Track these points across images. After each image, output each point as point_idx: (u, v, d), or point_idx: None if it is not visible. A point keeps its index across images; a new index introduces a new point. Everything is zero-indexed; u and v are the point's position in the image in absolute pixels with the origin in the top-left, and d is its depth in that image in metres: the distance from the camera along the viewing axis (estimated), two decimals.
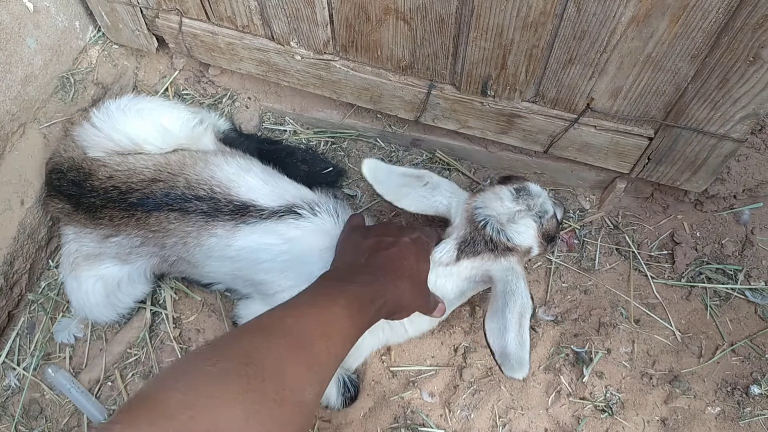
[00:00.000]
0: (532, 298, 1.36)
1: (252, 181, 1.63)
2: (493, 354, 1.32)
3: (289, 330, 0.95)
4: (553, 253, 1.92)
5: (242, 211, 1.55)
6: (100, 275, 1.70)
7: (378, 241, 1.36)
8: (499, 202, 1.45)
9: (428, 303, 1.38)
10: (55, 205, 1.74)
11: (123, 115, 1.70)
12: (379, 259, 1.30)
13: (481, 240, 1.43)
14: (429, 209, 1.53)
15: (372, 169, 1.51)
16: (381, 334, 1.60)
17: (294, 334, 0.95)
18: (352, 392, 1.72)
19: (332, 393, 1.68)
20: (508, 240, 1.43)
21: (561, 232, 1.63)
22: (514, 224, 1.43)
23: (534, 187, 1.49)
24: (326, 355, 0.98)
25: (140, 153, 1.68)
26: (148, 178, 1.61)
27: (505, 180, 1.52)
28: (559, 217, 1.57)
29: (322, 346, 0.97)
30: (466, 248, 1.44)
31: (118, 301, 1.77)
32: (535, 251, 1.50)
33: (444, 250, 1.46)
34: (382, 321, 1.25)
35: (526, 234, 1.44)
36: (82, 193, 1.65)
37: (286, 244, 1.54)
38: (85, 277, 1.71)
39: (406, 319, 1.44)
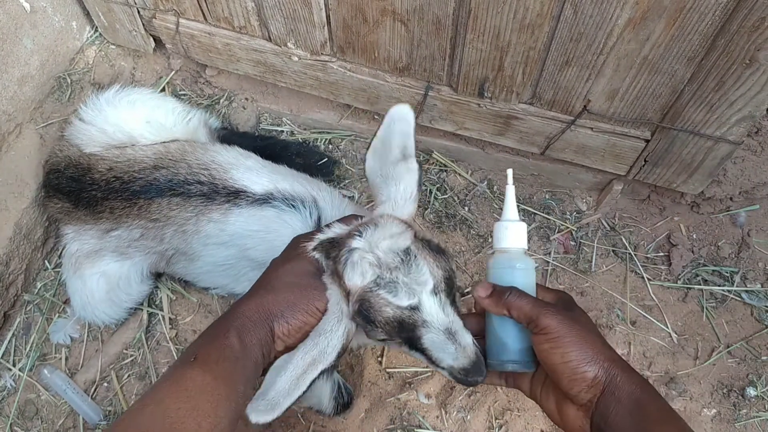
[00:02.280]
0: (339, 358, 1.07)
1: (250, 164, 1.63)
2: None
3: (153, 419, 0.87)
4: (549, 254, 1.92)
5: (235, 194, 1.55)
6: (102, 271, 1.71)
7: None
8: (384, 237, 1.08)
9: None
10: (54, 205, 1.74)
11: (114, 108, 1.70)
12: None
13: (338, 247, 1.11)
14: (374, 186, 1.20)
15: (400, 115, 1.14)
16: None
17: (159, 421, 0.86)
18: (345, 398, 1.70)
19: (325, 394, 1.66)
20: (341, 263, 1.08)
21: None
22: (359, 259, 1.07)
23: (422, 274, 1.07)
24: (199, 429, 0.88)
25: (136, 144, 1.69)
26: (150, 166, 1.61)
27: (429, 245, 1.13)
28: (408, 335, 1.07)
29: (191, 424, 0.87)
30: (328, 243, 1.13)
31: (119, 300, 1.77)
32: (345, 308, 1.09)
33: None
34: None
35: (352, 278, 1.07)
36: (82, 187, 1.65)
37: (266, 233, 1.51)
38: (89, 274, 1.71)
39: None
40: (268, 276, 1.11)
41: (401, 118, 1.13)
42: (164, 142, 1.69)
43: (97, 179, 1.63)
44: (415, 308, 1.06)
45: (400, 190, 1.15)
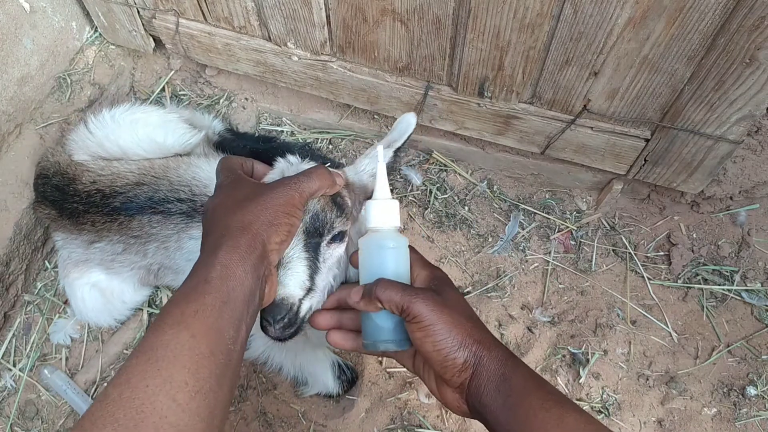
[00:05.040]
0: None
1: None
2: None
3: (118, 406, 0.76)
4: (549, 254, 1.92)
5: None
6: (92, 282, 1.71)
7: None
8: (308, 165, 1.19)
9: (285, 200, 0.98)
10: (42, 211, 1.73)
11: (117, 125, 1.69)
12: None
13: None
14: None
15: (406, 119, 1.21)
16: None
17: (124, 407, 0.76)
18: (348, 375, 1.72)
19: (328, 379, 1.68)
20: None
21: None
22: (280, 163, 1.21)
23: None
24: (179, 407, 0.77)
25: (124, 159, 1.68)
26: (132, 182, 1.59)
27: (335, 196, 1.16)
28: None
29: (163, 401, 0.77)
30: None
31: (114, 309, 1.77)
32: None
33: None
34: None
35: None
36: (65, 198, 1.63)
37: None
38: (78, 284, 1.71)
39: None
40: (226, 200, 1.00)
41: (405, 121, 1.19)
42: (150, 159, 1.68)
43: (79, 191, 1.61)
44: None
45: (365, 163, 1.21)
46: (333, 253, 1.12)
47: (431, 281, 1.02)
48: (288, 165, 1.17)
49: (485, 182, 2.03)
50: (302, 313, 1.06)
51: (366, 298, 0.97)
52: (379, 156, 1.07)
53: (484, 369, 0.91)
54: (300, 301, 1.04)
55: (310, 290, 1.06)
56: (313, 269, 1.07)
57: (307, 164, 1.17)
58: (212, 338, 0.83)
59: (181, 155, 1.72)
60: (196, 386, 0.79)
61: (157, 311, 1.88)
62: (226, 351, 0.84)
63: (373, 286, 0.96)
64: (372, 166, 1.18)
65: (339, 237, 1.11)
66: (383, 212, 1.03)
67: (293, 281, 1.03)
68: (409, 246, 1.06)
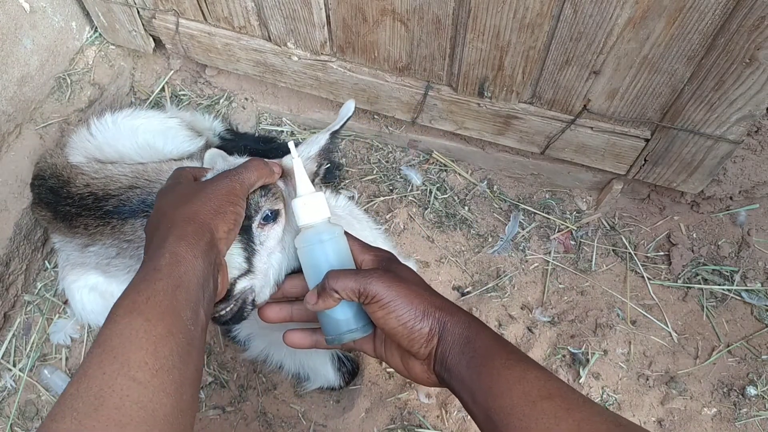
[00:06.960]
0: None
1: None
2: None
3: (76, 398, 0.74)
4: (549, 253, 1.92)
5: None
6: (90, 285, 1.70)
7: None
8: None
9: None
10: (39, 213, 1.73)
11: (118, 129, 1.69)
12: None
13: None
14: None
15: (346, 106, 1.25)
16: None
17: (83, 396, 0.74)
18: (348, 366, 1.72)
19: (328, 372, 1.68)
20: None
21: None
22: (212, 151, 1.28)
23: None
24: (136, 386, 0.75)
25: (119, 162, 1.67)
26: (126, 186, 1.59)
27: (267, 188, 1.17)
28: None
29: (123, 383, 0.75)
30: None
31: None
32: None
33: None
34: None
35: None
36: (58, 200, 1.63)
37: None
38: (76, 287, 1.70)
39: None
40: (170, 198, 1.00)
41: (346, 106, 1.21)
42: (144, 162, 1.67)
43: (72, 193, 1.61)
44: None
45: (301, 149, 1.19)
46: (269, 234, 1.09)
47: (379, 262, 1.02)
48: (223, 162, 1.18)
49: (485, 182, 2.03)
50: (236, 291, 1.04)
51: (322, 294, 0.97)
52: (293, 152, 1.07)
53: (449, 333, 0.92)
54: (235, 279, 1.03)
55: (248, 272, 1.05)
56: (250, 251, 1.05)
57: (240, 159, 1.18)
58: (168, 320, 0.81)
59: (176, 160, 1.72)
60: (157, 364, 0.77)
61: None
62: (185, 331, 0.83)
63: (324, 281, 0.96)
64: (309, 150, 1.18)
65: (271, 217, 1.09)
66: (310, 207, 1.03)
67: (227, 262, 1.02)
68: (346, 232, 1.06)
